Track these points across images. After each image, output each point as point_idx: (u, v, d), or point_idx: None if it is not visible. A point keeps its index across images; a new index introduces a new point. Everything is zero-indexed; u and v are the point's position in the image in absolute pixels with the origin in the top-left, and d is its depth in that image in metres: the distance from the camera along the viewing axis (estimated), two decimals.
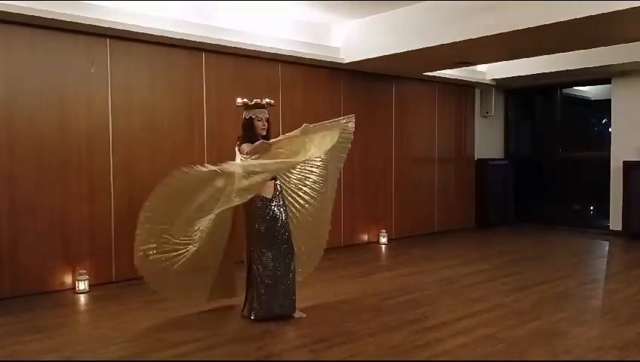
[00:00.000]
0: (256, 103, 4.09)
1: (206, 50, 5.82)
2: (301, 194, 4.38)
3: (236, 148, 4.09)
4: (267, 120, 4.12)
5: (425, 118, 8.38)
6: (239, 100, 4.12)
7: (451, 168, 8.83)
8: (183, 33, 5.37)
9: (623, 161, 7.93)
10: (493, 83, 8.85)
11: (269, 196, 4.10)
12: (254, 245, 4.07)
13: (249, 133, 4.07)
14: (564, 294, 4.93)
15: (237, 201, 3.77)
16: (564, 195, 9.19)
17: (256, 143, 3.96)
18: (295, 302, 4.16)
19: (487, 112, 9.22)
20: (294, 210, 4.34)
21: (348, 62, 6.73)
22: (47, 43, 4.88)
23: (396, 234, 7.87)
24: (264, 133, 4.11)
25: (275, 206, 4.10)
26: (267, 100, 4.16)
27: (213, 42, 5.60)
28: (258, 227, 4.04)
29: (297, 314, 4.14)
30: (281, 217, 4.11)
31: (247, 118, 4.09)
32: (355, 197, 7.39)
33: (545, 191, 9.49)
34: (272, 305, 4.05)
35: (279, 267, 4.06)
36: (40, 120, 4.88)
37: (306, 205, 4.37)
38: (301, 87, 6.74)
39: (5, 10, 4.41)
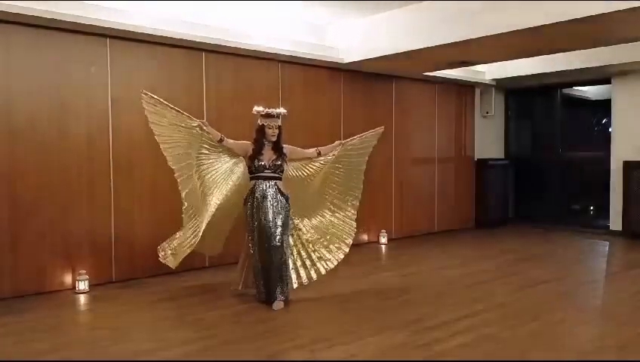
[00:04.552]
0: (267, 113, 4.43)
1: (206, 50, 5.81)
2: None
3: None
4: (279, 127, 4.46)
5: (425, 118, 8.38)
6: (255, 109, 4.45)
7: (451, 168, 8.82)
8: (183, 33, 5.37)
9: (623, 161, 7.93)
10: (493, 83, 8.85)
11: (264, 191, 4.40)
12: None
13: (259, 137, 4.47)
14: (564, 294, 4.94)
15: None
16: (564, 195, 9.19)
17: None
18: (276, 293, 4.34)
19: (487, 112, 9.21)
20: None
21: (348, 62, 6.72)
22: (47, 43, 4.88)
23: (396, 234, 7.87)
24: (274, 139, 4.46)
25: (269, 203, 4.35)
26: (278, 111, 4.51)
27: (213, 42, 5.60)
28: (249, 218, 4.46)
29: (275, 306, 4.29)
30: (267, 216, 4.32)
31: (260, 124, 4.46)
32: None
33: (545, 191, 9.47)
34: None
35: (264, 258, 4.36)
36: (40, 120, 4.88)
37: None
38: (301, 87, 6.73)
39: (6, 10, 4.41)
